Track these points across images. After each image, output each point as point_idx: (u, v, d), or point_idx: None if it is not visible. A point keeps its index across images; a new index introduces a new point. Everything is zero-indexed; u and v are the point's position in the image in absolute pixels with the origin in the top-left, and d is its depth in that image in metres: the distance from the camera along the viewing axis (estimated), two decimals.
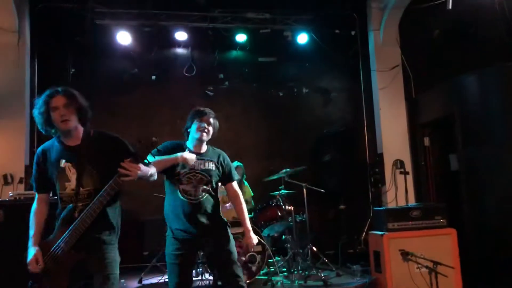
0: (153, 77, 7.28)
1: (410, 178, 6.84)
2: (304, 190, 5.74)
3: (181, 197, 3.17)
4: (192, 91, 7.41)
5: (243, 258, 5.08)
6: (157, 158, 3.08)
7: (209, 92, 7.42)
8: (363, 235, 6.52)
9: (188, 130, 3.39)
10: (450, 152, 6.26)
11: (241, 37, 7.23)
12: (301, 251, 5.65)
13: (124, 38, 6.84)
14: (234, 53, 7.65)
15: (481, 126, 5.20)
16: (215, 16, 7.00)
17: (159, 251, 5.71)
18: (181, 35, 7.06)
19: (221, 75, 7.54)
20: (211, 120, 3.36)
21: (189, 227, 3.14)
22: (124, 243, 2.94)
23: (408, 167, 6.86)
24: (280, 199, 5.75)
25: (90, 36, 6.61)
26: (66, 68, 6.89)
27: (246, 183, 6.29)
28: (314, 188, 5.87)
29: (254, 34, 7.25)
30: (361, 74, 7.50)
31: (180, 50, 7.47)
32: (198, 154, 3.31)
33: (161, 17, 6.86)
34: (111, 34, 6.83)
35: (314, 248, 5.72)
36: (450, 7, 5.40)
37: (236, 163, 6.24)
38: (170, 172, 3.21)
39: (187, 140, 3.40)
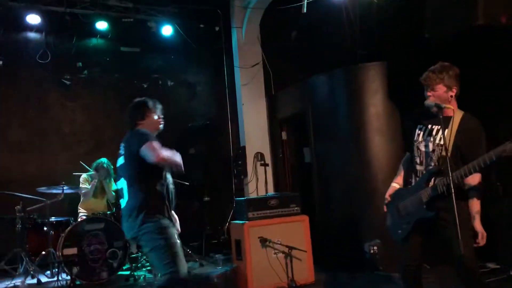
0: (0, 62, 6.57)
1: (269, 169, 7.26)
2: None
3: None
4: (46, 79, 6.88)
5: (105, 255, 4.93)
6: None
7: (65, 81, 6.95)
8: (226, 225, 6.76)
9: (142, 121, 3.32)
10: (304, 145, 6.80)
11: (101, 25, 6.86)
12: None
13: None
14: (94, 41, 7.27)
15: (330, 122, 5.74)
16: (73, 0, 6.56)
17: (9, 253, 5.23)
18: (33, 18, 6.47)
19: (80, 64, 7.11)
20: None
21: None
22: None
23: (268, 159, 7.28)
24: None
25: None
26: None
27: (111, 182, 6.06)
28: (179, 181, 5.90)
29: (116, 22, 6.96)
30: (225, 70, 7.72)
31: (32, 35, 6.84)
32: None
33: None
34: None
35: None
36: (304, 11, 5.86)
37: (101, 161, 5.97)
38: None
39: (138, 127, 3.31)
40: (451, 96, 2.88)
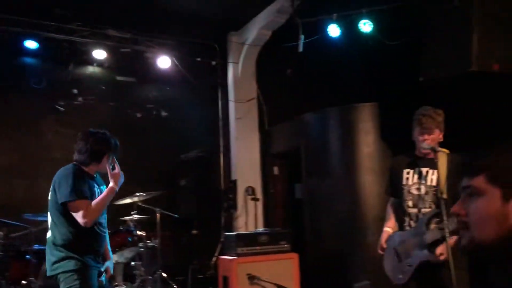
0: None
1: (260, 204, 7.21)
2: (158, 215, 5.67)
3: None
4: (39, 104, 6.83)
5: None
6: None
7: (59, 107, 6.92)
8: (214, 260, 6.64)
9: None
10: (296, 181, 6.79)
11: (99, 54, 6.90)
12: (150, 277, 5.53)
13: None
14: (91, 69, 7.29)
15: (322, 159, 5.77)
16: (73, 28, 6.63)
17: None
18: (31, 44, 6.50)
19: (75, 91, 7.10)
20: None
21: None
22: None
23: (259, 194, 7.24)
24: (131, 224, 5.58)
25: None
26: None
27: None
28: (168, 213, 5.82)
29: (114, 52, 7.01)
30: (219, 103, 7.77)
31: (28, 60, 6.85)
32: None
33: (9, 22, 6.26)
34: None
35: (164, 274, 5.64)
36: (301, 50, 5.98)
37: None
38: None
39: (89, 163, 3.29)
40: (440, 139, 2.97)
